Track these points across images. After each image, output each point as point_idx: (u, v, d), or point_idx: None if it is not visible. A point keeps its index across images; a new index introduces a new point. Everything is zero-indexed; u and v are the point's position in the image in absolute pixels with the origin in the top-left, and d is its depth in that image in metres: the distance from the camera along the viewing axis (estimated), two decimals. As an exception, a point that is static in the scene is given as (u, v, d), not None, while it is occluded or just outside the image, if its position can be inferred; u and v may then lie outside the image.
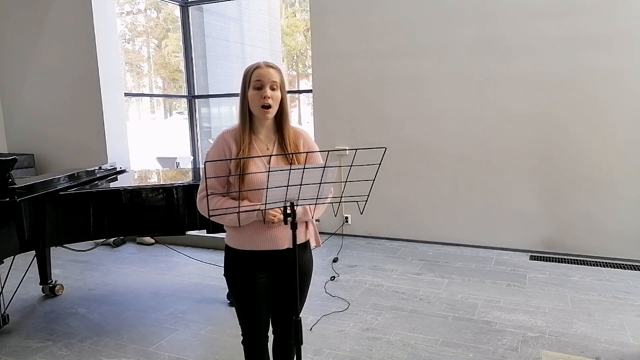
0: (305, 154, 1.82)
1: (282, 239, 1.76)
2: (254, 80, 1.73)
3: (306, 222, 1.85)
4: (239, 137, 1.77)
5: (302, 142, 1.86)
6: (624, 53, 4.00)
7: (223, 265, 1.88)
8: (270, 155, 1.79)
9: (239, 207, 1.64)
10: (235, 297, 1.88)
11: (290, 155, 1.78)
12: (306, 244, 1.88)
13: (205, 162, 1.68)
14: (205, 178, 1.66)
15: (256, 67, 1.75)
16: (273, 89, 1.73)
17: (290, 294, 1.75)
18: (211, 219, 1.70)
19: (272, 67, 1.76)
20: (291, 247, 1.63)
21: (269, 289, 1.84)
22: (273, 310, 1.88)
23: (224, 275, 1.88)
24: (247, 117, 1.77)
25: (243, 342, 1.91)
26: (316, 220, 1.93)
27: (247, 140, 1.76)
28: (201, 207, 1.76)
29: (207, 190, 1.68)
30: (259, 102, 1.72)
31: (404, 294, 3.59)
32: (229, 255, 1.84)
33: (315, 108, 5.21)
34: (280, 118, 1.80)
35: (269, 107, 1.73)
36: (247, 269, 1.80)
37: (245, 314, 1.86)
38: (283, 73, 1.80)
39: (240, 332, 1.90)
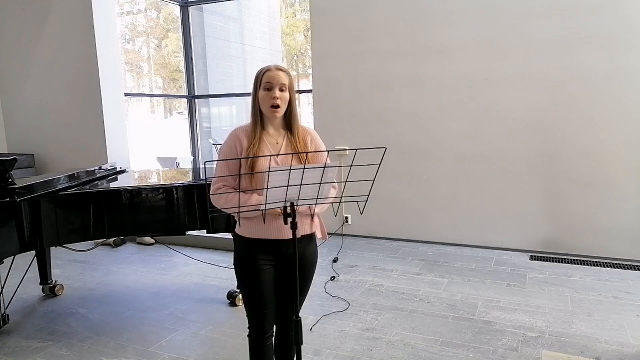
0: (308, 153, 1.89)
1: (288, 229, 1.80)
2: (264, 82, 1.85)
3: (312, 215, 1.91)
4: (250, 132, 1.88)
5: (309, 139, 1.96)
6: (624, 53, 4.00)
7: (229, 259, 1.92)
8: (277, 155, 1.86)
9: (239, 205, 1.72)
10: (242, 284, 1.94)
11: (301, 153, 1.87)
12: (312, 236, 1.95)
13: (205, 162, 1.71)
14: (206, 178, 1.71)
15: (267, 69, 1.87)
16: (282, 90, 1.85)
17: (293, 283, 1.80)
18: (224, 210, 1.84)
19: (281, 70, 1.88)
20: (296, 237, 1.70)
21: (274, 278, 1.90)
22: (277, 301, 1.93)
23: (234, 263, 1.94)
24: (258, 115, 1.89)
25: (249, 335, 1.95)
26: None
27: (257, 135, 1.87)
28: (213, 199, 1.87)
29: (213, 185, 1.84)
30: (269, 102, 1.84)
31: (404, 294, 3.59)
32: (238, 242, 1.93)
33: (315, 108, 5.21)
34: (289, 117, 1.91)
35: (277, 106, 1.84)
36: (254, 256, 1.87)
37: (252, 300, 1.91)
38: (292, 76, 1.91)
39: (242, 330, 1.92)
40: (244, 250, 1.90)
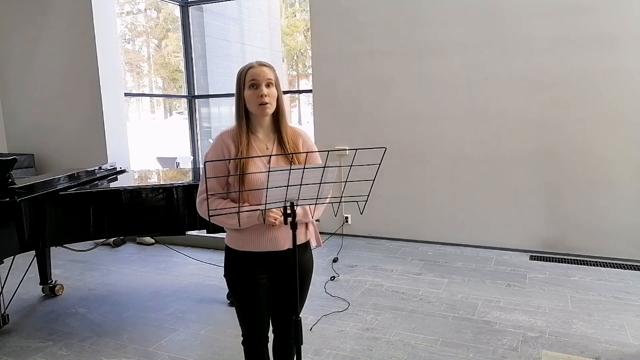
0: (306, 153, 1.81)
1: (282, 240, 1.76)
2: (249, 80, 1.74)
3: (306, 223, 1.85)
4: (237, 137, 1.77)
5: (301, 141, 1.86)
6: (624, 53, 4.00)
7: (223, 265, 1.88)
8: (270, 155, 1.78)
9: (239, 208, 1.64)
10: (236, 298, 1.88)
11: (290, 155, 1.78)
12: (306, 244, 1.88)
13: (205, 163, 1.67)
14: (206, 179, 1.64)
15: (249, 67, 1.76)
16: (269, 86, 1.74)
17: (290, 294, 1.75)
18: (212, 221, 1.69)
19: (265, 65, 1.77)
20: (292, 247, 1.64)
21: (269, 290, 1.84)
22: (273, 310, 1.88)
23: (224, 275, 1.88)
24: (244, 117, 1.77)
25: (243, 343, 1.91)
26: (316, 220, 1.92)
27: (245, 140, 1.76)
28: (201, 209, 1.76)
29: (201, 194, 1.70)
30: (257, 101, 1.73)
31: (404, 294, 3.59)
32: (230, 256, 1.84)
33: (315, 108, 5.21)
34: (277, 116, 1.80)
35: (266, 104, 1.73)
36: (248, 270, 1.80)
37: (246, 314, 1.86)
38: (276, 71, 1.80)
39: (241, 333, 1.90)
40: (236, 263, 1.82)
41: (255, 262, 1.79)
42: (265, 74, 1.73)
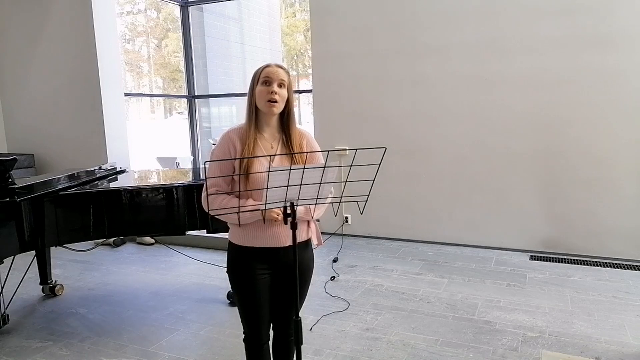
0: (306, 153, 1.84)
1: (284, 237, 1.77)
2: (262, 77, 1.78)
3: (308, 221, 1.87)
4: (244, 135, 1.80)
5: (305, 142, 1.89)
6: (624, 52, 4.00)
7: (226, 262, 1.90)
8: (273, 155, 1.81)
9: (239, 206, 1.67)
10: (238, 293, 1.89)
11: (294, 155, 1.81)
12: (308, 242, 1.90)
13: (205, 162, 1.70)
14: (206, 178, 1.69)
15: (266, 66, 1.81)
16: (280, 87, 1.78)
17: (290, 291, 1.77)
18: (216, 216, 1.75)
19: (281, 67, 1.81)
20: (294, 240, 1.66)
21: (270, 286, 1.85)
22: (274, 307, 1.90)
23: (227, 271, 1.90)
24: (254, 114, 1.81)
25: (244, 340, 1.93)
26: (317, 220, 1.94)
27: (252, 138, 1.79)
28: (204, 206, 1.79)
29: (207, 190, 1.73)
30: (266, 97, 1.76)
31: (404, 294, 3.59)
32: (232, 251, 1.87)
33: (315, 108, 5.21)
34: (287, 118, 1.84)
35: (275, 102, 1.76)
36: (250, 265, 1.82)
37: (247, 310, 1.88)
38: (292, 77, 1.84)
39: (242, 331, 1.91)
40: (238, 259, 1.84)
41: (256, 257, 1.81)
42: (279, 74, 1.78)
